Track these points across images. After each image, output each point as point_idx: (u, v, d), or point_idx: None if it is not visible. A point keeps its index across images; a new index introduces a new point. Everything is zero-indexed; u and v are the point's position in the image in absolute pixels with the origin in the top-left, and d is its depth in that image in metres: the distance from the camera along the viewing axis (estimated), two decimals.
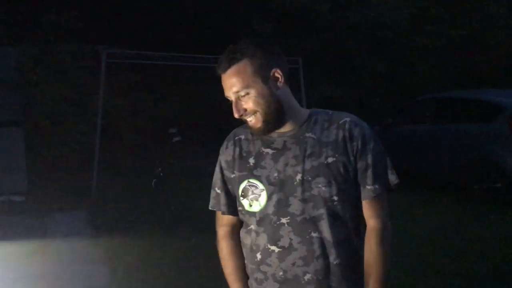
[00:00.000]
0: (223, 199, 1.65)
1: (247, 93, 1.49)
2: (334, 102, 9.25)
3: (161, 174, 7.22)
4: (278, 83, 1.53)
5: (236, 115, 1.52)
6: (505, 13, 12.04)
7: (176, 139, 9.20)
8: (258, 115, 1.51)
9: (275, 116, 1.52)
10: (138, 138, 8.04)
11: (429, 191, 6.90)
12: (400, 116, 8.21)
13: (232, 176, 1.61)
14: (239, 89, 1.49)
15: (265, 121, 1.51)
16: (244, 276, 1.63)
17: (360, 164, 1.54)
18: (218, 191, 1.66)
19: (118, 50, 7.00)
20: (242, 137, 1.63)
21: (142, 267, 4.40)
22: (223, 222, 1.68)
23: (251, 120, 1.52)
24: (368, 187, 1.54)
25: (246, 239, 1.60)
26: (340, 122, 1.56)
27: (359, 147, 1.53)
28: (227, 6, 9.68)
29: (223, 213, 1.66)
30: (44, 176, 7.00)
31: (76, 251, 4.81)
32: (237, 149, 1.61)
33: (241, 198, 1.58)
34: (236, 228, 1.66)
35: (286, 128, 1.56)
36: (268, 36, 9.36)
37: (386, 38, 10.95)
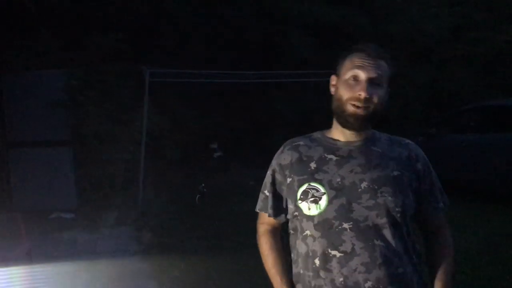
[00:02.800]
0: (270, 202, 1.67)
1: (380, 85, 1.53)
2: None
3: (204, 189, 7.32)
4: (387, 95, 1.59)
5: (363, 94, 1.50)
6: None
7: (217, 154, 9.31)
8: (371, 107, 1.52)
9: (376, 119, 1.56)
10: (181, 154, 8.19)
11: (475, 202, 6.70)
12: (444, 126, 8.03)
13: (288, 180, 1.61)
14: (381, 75, 1.53)
15: (370, 116, 1.53)
16: (285, 271, 1.64)
17: (424, 184, 1.60)
18: (267, 194, 1.69)
19: (160, 69, 7.18)
20: (301, 143, 1.65)
21: (188, 282, 4.45)
22: (265, 220, 1.72)
23: (361, 106, 1.52)
24: (437, 204, 1.63)
25: (301, 246, 1.58)
26: (403, 143, 1.65)
27: (424, 167, 1.61)
28: (265, 21, 9.79)
29: (269, 216, 1.68)
30: (92, 193, 7.21)
31: (124, 267, 4.92)
32: (296, 154, 1.62)
33: (299, 201, 1.56)
34: (277, 230, 1.72)
35: (353, 138, 1.59)
36: (307, 50, 9.40)
37: (427, 47, 10.79)
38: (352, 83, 1.53)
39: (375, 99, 1.51)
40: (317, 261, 1.51)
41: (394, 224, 1.50)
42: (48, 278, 4.40)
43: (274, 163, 1.68)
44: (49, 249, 5.32)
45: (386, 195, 1.50)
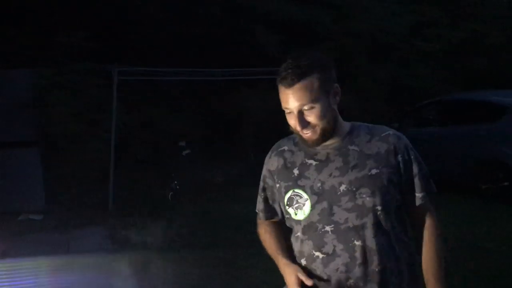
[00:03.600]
0: (262, 205, 1.80)
1: (312, 107, 1.54)
2: (338, 109, 9.35)
3: (177, 187, 7.36)
4: (337, 98, 1.62)
5: (298, 128, 1.55)
6: (505, 15, 12.19)
7: (185, 152, 9.34)
8: (318, 128, 1.56)
9: (331, 129, 1.60)
10: (151, 152, 8.19)
11: (438, 193, 6.99)
12: (406, 120, 8.33)
13: (277, 185, 1.71)
14: (306, 103, 1.53)
15: (322, 134, 1.57)
16: (286, 250, 1.70)
17: (407, 175, 1.64)
18: (260, 198, 1.81)
19: (128, 68, 7.16)
20: (286, 148, 1.71)
21: (164, 278, 4.47)
22: (262, 220, 1.84)
23: (308, 133, 1.57)
24: (419, 194, 1.65)
25: (294, 245, 1.68)
26: (383, 135, 1.65)
27: (406, 158, 1.63)
28: (233, 19, 9.86)
29: (261, 218, 1.82)
30: (61, 194, 7.13)
31: (98, 266, 4.90)
32: (281, 160, 1.70)
33: (287, 207, 1.66)
34: (274, 222, 1.80)
35: (330, 140, 1.63)
36: (273, 47, 9.53)
37: (387, 44, 11.10)
38: (288, 114, 1.59)
39: (314, 121, 1.54)
40: (303, 261, 1.62)
41: (375, 223, 1.57)
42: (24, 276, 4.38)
43: (264, 168, 1.77)
44: (21, 249, 5.27)
45: (364, 195, 1.56)
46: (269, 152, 1.78)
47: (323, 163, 1.62)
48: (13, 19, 7.12)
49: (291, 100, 1.53)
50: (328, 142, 1.62)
